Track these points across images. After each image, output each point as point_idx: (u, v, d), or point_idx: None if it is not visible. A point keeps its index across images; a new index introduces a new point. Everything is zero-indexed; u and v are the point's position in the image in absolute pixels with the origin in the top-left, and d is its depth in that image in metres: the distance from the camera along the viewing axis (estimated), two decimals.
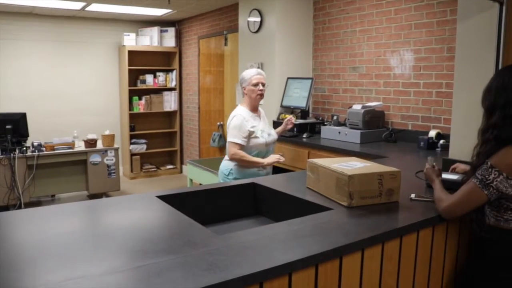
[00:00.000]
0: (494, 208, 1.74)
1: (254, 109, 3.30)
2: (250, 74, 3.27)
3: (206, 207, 2.25)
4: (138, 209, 1.98)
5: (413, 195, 2.02)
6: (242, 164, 3.16)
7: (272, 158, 3.20)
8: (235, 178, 3.20)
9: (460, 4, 2.94)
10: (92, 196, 5.87)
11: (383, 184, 1.91)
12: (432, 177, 2.02)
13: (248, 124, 3.15)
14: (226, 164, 3.27)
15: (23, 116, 5.31)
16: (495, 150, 1.67)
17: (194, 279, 1.20)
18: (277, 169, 4.17)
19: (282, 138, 4.15)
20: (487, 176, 1.66)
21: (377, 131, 3.89)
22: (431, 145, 3.43)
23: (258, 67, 4.88)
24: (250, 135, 3.16)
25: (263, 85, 3.25)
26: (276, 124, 4.55)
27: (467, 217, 1.86)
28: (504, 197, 1.68)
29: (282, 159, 3.22)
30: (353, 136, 3.80)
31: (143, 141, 7.62)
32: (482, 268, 1.79)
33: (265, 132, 3.26)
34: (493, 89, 1.73)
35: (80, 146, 5.73)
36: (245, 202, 2.37)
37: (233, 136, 3.12)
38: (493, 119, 1.70)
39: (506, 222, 1.71)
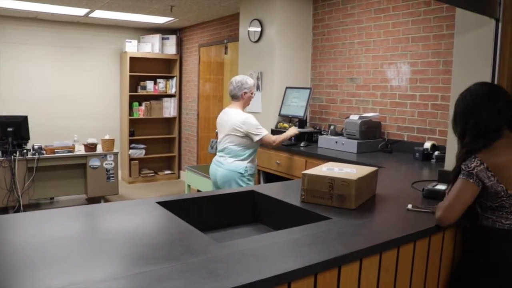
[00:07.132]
0: (479, 206, 1.85)
1: None
2: (253, 82, 3.71)
3: (205, 214, 2.25)
4: (138, 214, 1.98)
5: (410, 206, 2.05)
6: (280, 144, 3.75)
7: (293, 129, 3.97)
8: (250, 175, 3.59)
9: (458, 19, 2.99)
10: (91, 200, 5.92)
11: (334, 188, 2.02)
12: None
13: None
14: (239, 164, 3.58)
15: (24, 119, 5.35)
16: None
17: (195, 287, 1.20)
18: (274, 177, 4.23)
19: (280, 146, 4.20)
20: (469, 165, 1.75)
21: (373, 141, 3.94)
22: (426, 156, 3.48)
23: (258, 77, 4.94)
24: None
25: None
26: (274, 132, 4.61)
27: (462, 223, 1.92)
28: (483, 195, 1.77)
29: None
30: (350, 146, 3.85)
31: (142, 146, 7.66)
32: (471, 268, 1.87)
33: None
34: (458, 116, 1.90)
35: (80, 150, 5.77)
36: (244, 209, 2.37)
37: (262, 129, 3.57)
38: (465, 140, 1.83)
39: (487, 220, 1.82)
